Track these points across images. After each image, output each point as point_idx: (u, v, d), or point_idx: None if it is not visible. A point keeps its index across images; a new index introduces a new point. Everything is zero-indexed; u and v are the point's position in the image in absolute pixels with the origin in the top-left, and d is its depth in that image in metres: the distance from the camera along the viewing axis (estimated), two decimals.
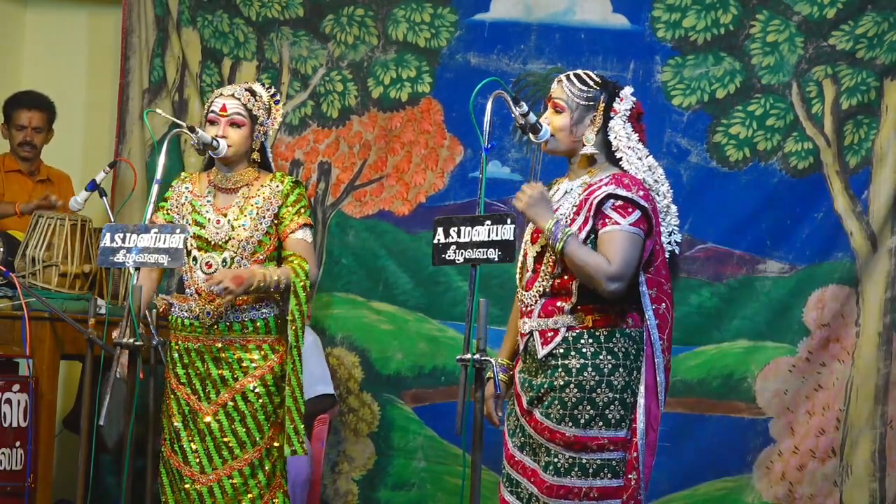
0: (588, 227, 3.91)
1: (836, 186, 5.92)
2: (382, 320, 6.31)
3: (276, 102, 4.78)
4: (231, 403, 4.61)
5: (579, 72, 4.08)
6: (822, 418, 5.87)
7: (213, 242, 4.63)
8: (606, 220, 3.88)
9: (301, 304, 4.54)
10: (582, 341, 3.90)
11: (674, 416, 5.80)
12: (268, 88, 4.77)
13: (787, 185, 5.97)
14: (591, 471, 3.88)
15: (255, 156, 4.70)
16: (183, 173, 4.83)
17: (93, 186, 5.16)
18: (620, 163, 4.00)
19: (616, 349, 3.90)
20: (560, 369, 3.91)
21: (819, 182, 5.94)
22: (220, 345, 4.62)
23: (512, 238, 3.61)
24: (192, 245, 4.61)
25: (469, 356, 3.57)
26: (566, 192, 4.05)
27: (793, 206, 5.96)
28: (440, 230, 3.72)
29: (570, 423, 3.87)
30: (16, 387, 5.08)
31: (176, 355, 4.66)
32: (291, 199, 4.66)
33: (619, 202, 3.88)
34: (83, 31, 7.17)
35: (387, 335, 6.31)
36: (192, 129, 4.57)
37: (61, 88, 6.67)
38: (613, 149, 4.00)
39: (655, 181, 4.01)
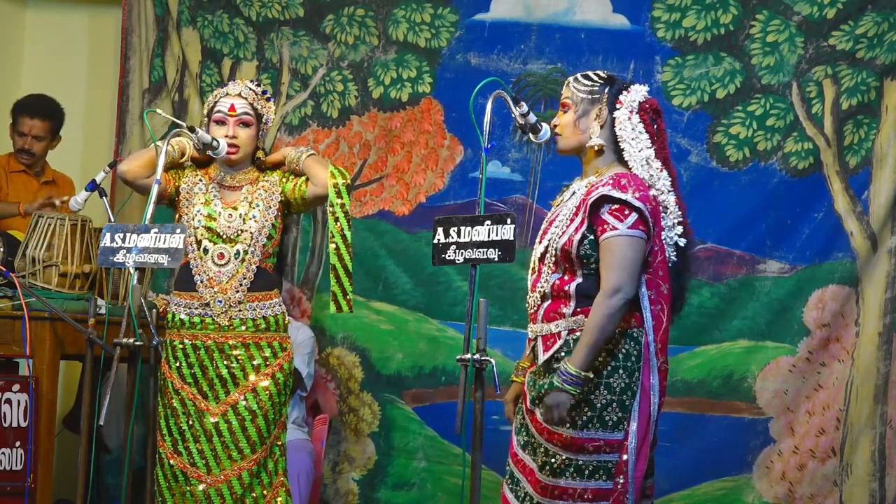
0: (584, 229, 3.90)
1: (836, 186, 5.92)
2: (382, 320, 6.31)
3: (269, 100, 4.79)
4: (243, 402, 4.60)
5: (588, 72, 4.09)
6: (822, 418, 5.87)
7: (224, 236, 4.63)
8: (605, 226, 3.87)
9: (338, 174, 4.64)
10: (577, 344, 3.89)
11: (674, 416, 5.80)
12: (258, 85, 4.78)
13: (787, 185, 5.96)
14: (586, 472, 3.87)
15: (260, 154, 4.73)
16: (190, 163, 4.83)
17: (93, 186, 5.16)
18: (623, 153, 3.99)
19: (616, 351, 3.90)
20: None
21: (819, 182, 5.94)
22: (231, 342, 4.62)
23: (512, 238, 3.61)
24: (202, 236, 4.62)
25: (469, 356, 3.57)
26: (574, 192, 4.05)
27: (793, 206, 5.96)
28: (440, 230, 3.73)
29: (568, 425, 3.87)
30: (16, 387, 5.08)
31: (180, 354, 4.65)
32: (289, 174, 4.69)
33: (615, 205, 3.87)
34: (83, 31, 7.17)
35: (387, 335, 6.31)
36: (192, 130, 4.57)
37: (61, 88, 6.66)
38: (619, 140, 3.99)
39: (651, 174, 3.98)
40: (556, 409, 3.82)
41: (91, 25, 7.16)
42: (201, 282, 4.62)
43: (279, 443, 4.67)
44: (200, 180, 4.74)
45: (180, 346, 4.65)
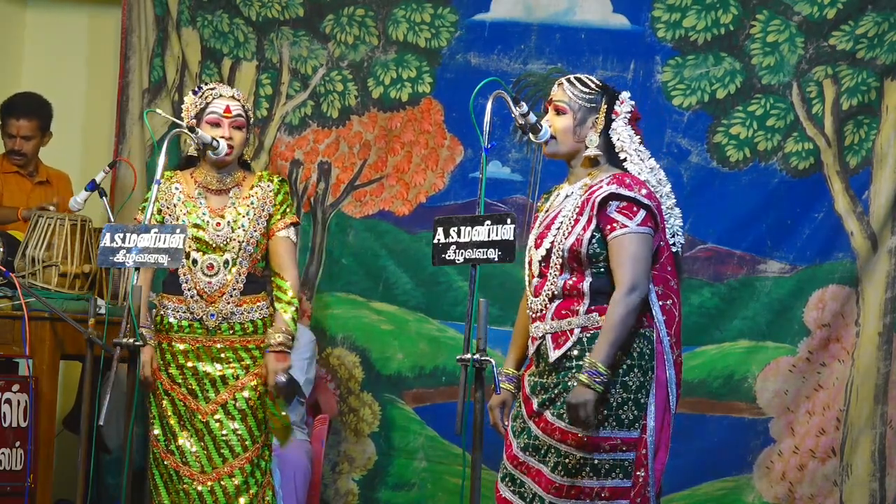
0: (592, 227, 3.91)
1: (837, 186, 5.92)
2: (383, 320, 6.31)
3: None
4: (232, 402, 4.61)
5: (579, 75, 4.10)
6: (823, 418, 5.87)
7: (213, 245, 4.63)
8: (614, 225, 3.88)
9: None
10: (597, 342, 3.89)
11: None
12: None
13: (787, 186, 5.96)
14: (602, 471, 3.87)
15: (247, 157, 4.76)
16: (167, 172, 4.81)
17: (93, 186, 5.15)
18: (624, 164, 4.01)
19: (631, 349, 3.90)
20: (574, 370, 3.90)
21: (819, 182, 5.94)
22: (219, 345, 4.63)
23: (512, 238, 3.61)
24: (190, 247, 4.61)
25: (469, 356, 3.57)
26: (566, 196, 4.05)
27: (793, 206, 5.96)
28: (440, 230, 3.72)
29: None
30: (16, 387, 5.08)
31: (169, 356, 4.65)
32: (279, 199, 4.71)
33: (623, 203, 3.89)
34: (83, 31, 7.17)
35: (387, 335, 6.31)
36: (191, 130, 4.58)
37: (61, 88, 6.66)
38: (617, 150, 4.02)
39: (658, 182, 4.03)
40: (584, 408, 3.81)
41: (91, 25, 7.16)
42: (191, 296, 4.63)
43: (269, 442, 4.70)
44: (176, 188, 4.72)
45: (169, 348, 4.66)
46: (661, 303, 3.93)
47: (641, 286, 3.85)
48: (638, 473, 3.88)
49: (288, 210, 4.72)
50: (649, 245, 3.89)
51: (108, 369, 4.40)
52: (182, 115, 4.73)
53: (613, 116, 4.03)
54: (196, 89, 4.74)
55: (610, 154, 4.03)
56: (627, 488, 3.89)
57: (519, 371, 4.18)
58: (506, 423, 4.14)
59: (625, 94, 4.07)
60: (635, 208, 3.89)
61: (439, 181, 6.29)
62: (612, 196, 3.90)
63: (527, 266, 4.09)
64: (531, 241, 4.08)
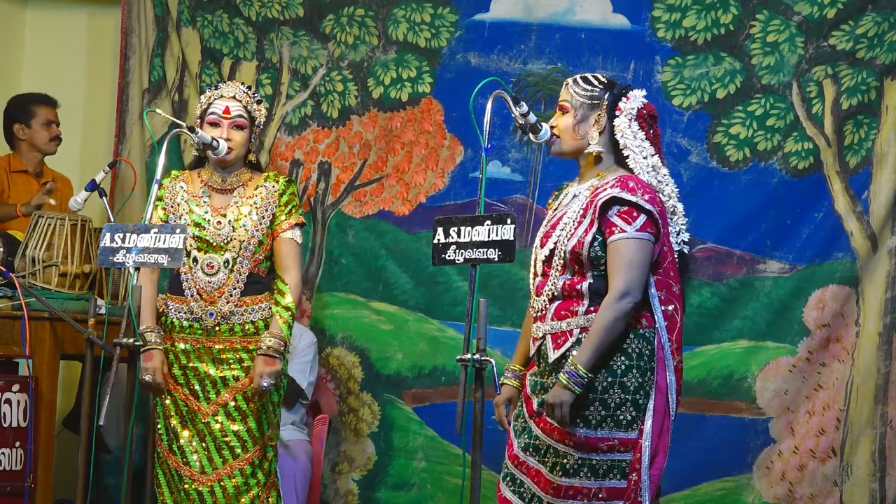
0: (594, 230, 3.90)
1: (837, 186, 5.92)
2: (382, 320, 6.31)
3: (259, 103, 4.80)
4: (232, 403, 4.61)
5: (587, 74, 4.09)
6: (823, 418, 5.87)
7: (213, 244, 4.63)
8: (613, 229, 3.87)
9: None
10: (582, 344, 3.89)
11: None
12: (249, 88, 4.78)
13: (787, 185, 5.96)
14: (600, 472, 3.87)
15: (252, 157, 4.74)
16: (174, 171, 4.82)
17: (93, 186, 5.16)
18: (627, 161, 3.99)
19: (630, 350, 3.90)
20: None
21: (819, 182, 5.94)
22: (219, 346, 4.63)
23: (512, 238, 3.61)
24: (191, 246, 4.61)
25: (469, 356, 3.57)
26: (574, 195, 4.05)
27: (793, 206, 5.96)
28: (440, 230, 3.73)
29: (581, 424, 3.87)
30: (16, 387, 5.08)
31: (172, 356, 4.66)
32: (284, 199, 4.69)
33: (624, 208, 3.87)
34: (83, 31, 7.17)
35: (387, 335, 6.30)
36: (191, 130, 4.58)
37: (61, 88, 6.66)
38: (621, 147, 3.99)
39: (659, 181, 4.00)
40: (559, 408, 3.82)
41: (91, 25, 7.16)
42: (191, 295, 4.63)
43: (272, 443, 4.69)
44: (181, 187, 4.72)
45: (172, 348, 4.66)
46: (663, 307, 3.92)
47: (634, 292, 3.85)
48: (631, 476, 3.88)
49: (294, 211, 4.71)
50: (648, 251, 3.88)
51: (108, 369, 4.41)
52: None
53: (617, 113, 4.01)
54: (209, 88, 4.76)
55: (617, 153, 4.02)
56: (624, 489, 3.89)
57: (525, 367, 4.17)
58: (510, 419, 4.13)
59: (634, 92, 4.02)
60: (636, 213, 3.87)
61: (439, 181, 6.29)
62: (614, 200, 3.88)
63: (531, 264, 4.08)
64: (537, 241, 4.07)
